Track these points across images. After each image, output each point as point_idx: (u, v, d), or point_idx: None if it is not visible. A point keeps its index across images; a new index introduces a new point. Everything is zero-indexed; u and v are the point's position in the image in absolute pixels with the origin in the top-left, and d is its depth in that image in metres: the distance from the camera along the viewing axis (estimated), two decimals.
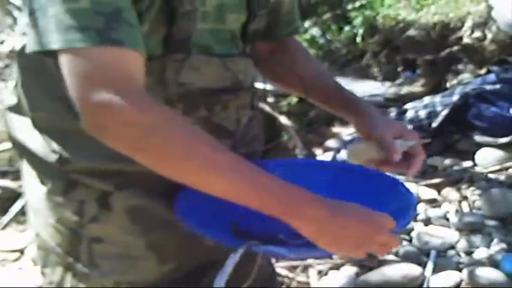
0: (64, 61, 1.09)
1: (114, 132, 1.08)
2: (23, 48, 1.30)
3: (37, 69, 1.30)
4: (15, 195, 3.64)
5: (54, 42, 1.08)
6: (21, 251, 3.35)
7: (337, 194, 1.18)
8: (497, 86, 3.78)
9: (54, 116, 1.30)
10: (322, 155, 3.93)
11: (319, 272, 2.92)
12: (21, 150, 1.39)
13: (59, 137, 1.31)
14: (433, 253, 2.88)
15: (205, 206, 1.23)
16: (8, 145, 3.71)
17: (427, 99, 3.91)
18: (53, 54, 1.12)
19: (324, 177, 1.39)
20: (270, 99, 4.47)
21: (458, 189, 3.33)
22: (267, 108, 4.20)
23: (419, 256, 2.88)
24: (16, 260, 3.32)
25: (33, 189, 1.38)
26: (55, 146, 1.31)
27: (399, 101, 4.20)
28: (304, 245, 1.16)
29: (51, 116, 1.31)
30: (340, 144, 3.95)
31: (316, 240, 1.12)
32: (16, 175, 3.80)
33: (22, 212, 3.51)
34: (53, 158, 1.31)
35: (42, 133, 1.33)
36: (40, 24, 1.10)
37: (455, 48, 4.43)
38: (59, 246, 1.36)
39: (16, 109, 1.38)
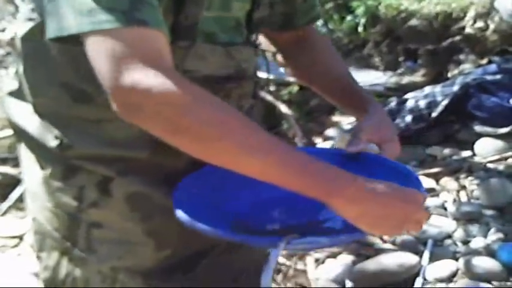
0: (90, 44, 1.07)
1: (149, 112, 1.06)
2: (27, 33, 1.29)
3: (40, 54, 1.29)
4: (15, 182, 3.63)
5: (78, 25, 1.07)
6: (21, 237, 3.34)
7: None
8: (498, 77, 3.78)
9: (56, 102, 1.30)
10: (321, 144, 3.94)
11: (317, 260, 2.93)
12: (21, 135, 1.39)
13: (60, 123, 1.31)
14: (430, 242, 2.89)
15: (203, 203, 1.23)
16: (8, 132, 3.71)
17: (427, 89, 3.91)
18: (58, 40, 1.11)
19: None
20: (271, 88, 4.47)
21: (457, 179, 3.34)
22: (268, 97, 4.20)
23: (416, 245, 2.89)
24: (15, 246, 3.31)
25: (31, 173, 1.38)
26: (56, 131, 1.30)
27: (400, 90, 4.20)
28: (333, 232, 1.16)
29: (53, 102, 1.30)
30: (339, 133, 3.95)
31: (358, 222, 1.11)
32: (16, 162, 3.79)
33: (22, 198, 3.51)
34: (53, 143, 1.31)
35: (43, 119, 1.32)
36: (59, 9, 1.09)
37: (457, 38, 4.43)
38: (56, 231, 1.36)
39: (17, 94, 1.37)
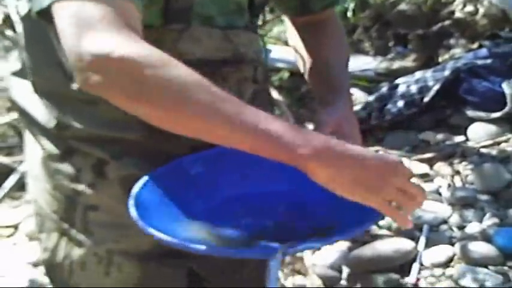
0: (58, 14, 1.06)
1: (114, 79, 1.03)
2: (26, 13, 1.29)
3: (38, 34, 1.29)
4: (9, 171, 3.62)
5: None
6: (15, 227, 3.34)
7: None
8: (489, 61, 3.78)
9: (54, 82, 1.30)
10: None
11: None
12: (22, 115, 1.40)
13: (58, 103, 1.32)
14: (425, 228, 2.90)
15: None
16: (0, 120, 3.70)
17: (418, 74, 3.91)
18: (47, 19, 1.10)
19: None
20: None
21: (451, 164, 3.35)
22: None
23: (411, 231, 2.89)
24: (10, 235, 3.31)
25: (33, 155, 1.40)
26: (54, 111, 1.32)
27: (390, 75, 4.19)
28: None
29: (51, 82, 1.31)
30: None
31: (331, 185, 1.07)
32: (10, 150, 3.78)
33: (16, 187, 3.51)
34: (52, 123, 1.32)
35: (42, 98, 1.33)
36: None
37: (447, 22, 4.42)
38: (55, 213, 1.38)
39: (20, 74, 1.38)
